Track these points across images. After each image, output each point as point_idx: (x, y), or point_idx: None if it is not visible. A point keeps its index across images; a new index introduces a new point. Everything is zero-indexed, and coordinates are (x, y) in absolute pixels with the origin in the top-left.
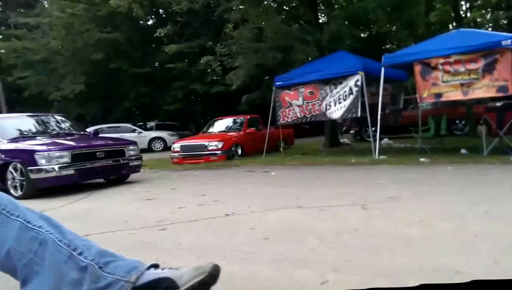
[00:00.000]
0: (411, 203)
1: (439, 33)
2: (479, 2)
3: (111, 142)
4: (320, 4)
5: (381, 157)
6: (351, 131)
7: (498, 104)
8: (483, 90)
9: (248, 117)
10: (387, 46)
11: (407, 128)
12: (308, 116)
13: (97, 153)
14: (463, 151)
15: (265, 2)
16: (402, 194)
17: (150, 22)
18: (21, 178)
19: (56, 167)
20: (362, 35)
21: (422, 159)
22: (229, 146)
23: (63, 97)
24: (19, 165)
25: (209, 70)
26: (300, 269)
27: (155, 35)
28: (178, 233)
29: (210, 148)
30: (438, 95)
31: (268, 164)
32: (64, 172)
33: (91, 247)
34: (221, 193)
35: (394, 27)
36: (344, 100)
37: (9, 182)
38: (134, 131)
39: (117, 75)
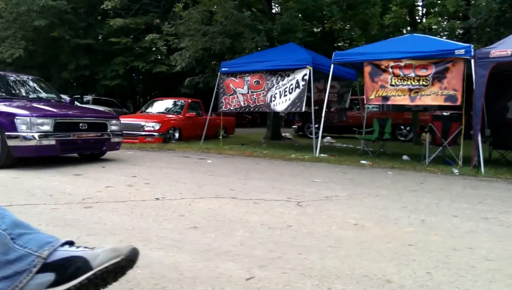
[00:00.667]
0: (348, 204)
1: (392, 36)
2: (436, 9)
3: (94, 113)
4: None
5: (322, 155)
6: (293, 126)
7: (445, 113)
8: (431, 97)
9: (190, 100)
10: (339, 44)
11: (351, 128)
12: (251, 105)
13: (80, 124)
14: (405, 157)
15: None
16: (339, 195)
17: None
18: None
19: (36, 135)
20: (315, 30)
21: (363, 161)
22: (166, 128)
23: (0, 61)
24: None
25: (154, 48)
26: (226, 262)
27: (102, 6)
28: (104, 212)
29: (147, 128)
30: (385, 98)
31: (205, 151)
32: (45, 142)
33: (5, 217)
34: (153, 177)
35: (348, 25)
36: (290, 93)
37: None
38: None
39: (58, 44)
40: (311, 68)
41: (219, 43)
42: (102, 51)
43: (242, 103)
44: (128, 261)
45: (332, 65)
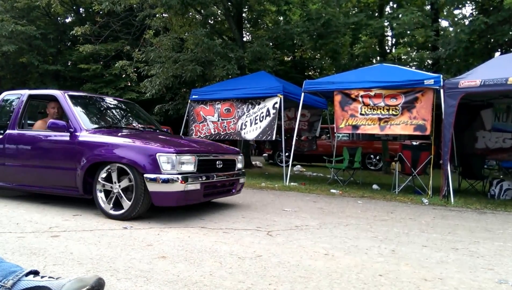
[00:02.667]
0: (318, 234)
1: (362, 66)
2: (405, 39)
3: (224, 147)
4: (246, 22)
5: (292, 184)
6: (264, 155)
7: (414, 143)
8: (401, 127)
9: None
10: (310, 73)
11: (321, 157)
12: (222, 133)
13: (217, 161)
14: (375, 186)
15: (190, 14)
16: (309, 224)
17: (68, 20)
18: (125, 186)
19: (180, 177)
20: (285, 58)
21: (333, 190)
22: None
23: None
24: (123, 169)
25: (124, 75)
26: None
27: (71, 32)
28: (71, 241)
29: None
30: (355, 127)
31: None
32: (191, 186)
33: None
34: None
35: (318, 54)
36: (261, 121)
37: (99, 193)
38: None
39: (27, 70)
40: (281, 96)
41: (190, 71)
42: (71, 78)
43: (212, 131)
44: None
45: (302, 94)
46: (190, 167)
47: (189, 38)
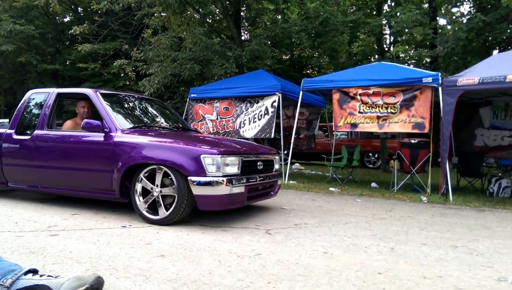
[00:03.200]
0: (317, 232)
1: (360, 64)
2: (403, 37)
3: (262, 147)
4: (244, 21)
5: (291, 182)
6: None
7: (412, 141)
8: (399, 125)
9: None
10: (308, 71)
11: (319, 155)
12: (221, 132)
13: (258, 162)
14: (373, 184)
15: (188, 13)
16: (308, 222)
17: (66, 19)
18: (167, 190)
19: (225, 179)
20: (283, 57)
21: (331, 189)
22: None
23: None
24: (165, 171)
25: (122, 74)
26: None
27: (70, 32)
28: (70, 240)
29: None
30: (354, 125)
31: None
32: (236, 189)
33: None
34: (119, 204)
35: (316, 53)
36: (259, 119)
37: (138, 197)
38: None
39: (25, 70)
40: (280, 94)
41: (188, 69)
42: (70, 77)
43: (211, 129)
44: (93, 289)
45: (301, 92)
46: (234, 169)
47: (187, 37)
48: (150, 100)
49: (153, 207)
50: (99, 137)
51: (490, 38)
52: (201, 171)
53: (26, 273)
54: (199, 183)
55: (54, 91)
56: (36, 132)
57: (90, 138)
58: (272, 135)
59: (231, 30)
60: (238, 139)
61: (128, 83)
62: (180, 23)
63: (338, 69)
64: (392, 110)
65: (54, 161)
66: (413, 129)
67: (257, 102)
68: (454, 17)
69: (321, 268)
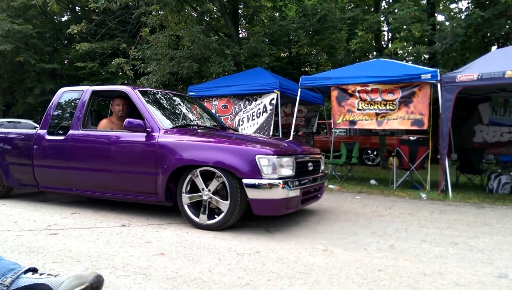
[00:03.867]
0: (317, 230)
1: (358, 61)
2: (401, 34)
3: (308, 147)
4: (241, 19)
5: None
6: None
7: (411, 137)
8: (398, 121)
9: None
10: (306, 69)
11: None
12: None
13: (309, 163)
14: (372, 181)
15: (186, 11)
16: (307, 220)
17: (64, 18)
18: (216, 195)
19: (281, 182)
20: (281, 54)
21: (331, 186)
22: None
23: None
24: (212, 173)
25: (121, 73)
26: None
27: (67, 31)
28: (69, 239)
29: None
30: (352, 122)
31: None
32: (292, 193)
33: None
34: (119, 202)
35: (314, 50)
36: (258, 117)
37: (185, 201)
38: (35, 128)
39: (24, 69)
40: (278, 92)
41: (186, 68)
42: (68, 76)
43: None
44: (93, 288)
45: (299, 90)
46: (288, 171)
47: (185, 35)
48: (182, 97)
49: (200, 211)
50: (140, 137)
51: (488, 34)
52: (256, 173)
53: (25, 272)
54: (255, 186)
55: (88, 89)
56: (71, 132)
57: (131, 138)
58: (271, 133)
59: (229, 28)
60: (280, 137)
61: (126, 82)
62: (177, 21)
63: (336, 66)
64: (391, 107)
65: (92, 163)
66: (412, 125)
67: (256, 100)
68: (452, 13)
69: (321, 266)
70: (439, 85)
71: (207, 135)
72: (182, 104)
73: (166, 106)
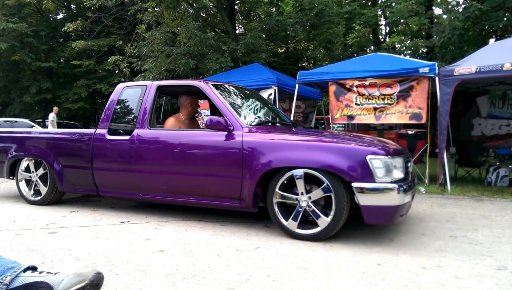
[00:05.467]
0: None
1: (356, 55)
2: (399, 27)
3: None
4: (238, 14)
5: None
6: None
7: (410, 132)
8: (396, 116)
9: None
10: (303, 64)
11: None
12: None
13: (409, 163)
14: None
15: (182, 7)
16: None
17: (59, 16)
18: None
19: (396, 185)
20: (279, 50)
21: None
22: None
23: None
24: (312, 176)
25: (117, 70)
26: (194, 286)
27: (63, 29)
28: (68, 238)
29: None
30: (351, 117)
31: None
32: (406, 198)
33: None
34: (117, 200)
35: (312, 45)
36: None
37: (277, 207)
38: (31, 127)
39: (19, 68)
40: (276, 88)
41: (183, 64)
42: (64, 74)
43: None
44: (93, 285)
45: (297, 85)
46: (400, 173)
47: (182, 32)
48: (242, 89)
49: (290, 216)
50: (219, 136)
51: (486, 26)
52: (367, 176)
53: (25, 270)
54: (367, 191)
55: (152, 84)
56: (137, 131)
57: (209, 138)
58: None
59: (226, 24)
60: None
61: (123, 79)
62: (173, 17)
63: (334, 61)
64: (389, 101)
65: (162, 165)
66: (410, 119)
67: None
68: (450, 6)
69: (321, 260)
70: (437, 78)
71: (301, 133)
72: (247, 98)
73: (237, 101)
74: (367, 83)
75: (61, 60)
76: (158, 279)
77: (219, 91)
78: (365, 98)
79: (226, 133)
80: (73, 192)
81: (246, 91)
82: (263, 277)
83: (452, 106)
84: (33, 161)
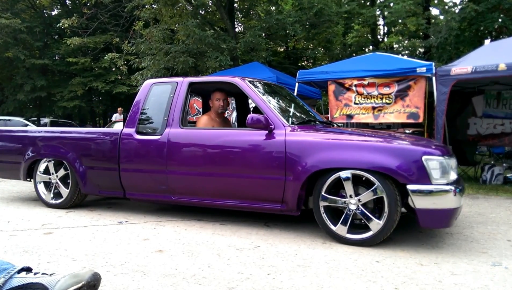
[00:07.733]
0: (315, 223)
1: (355, 55)
2: (397, 28)
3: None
4: (237, 12)
5: None
6: None
7: (407, 131)
8: (394, 115)
9: None
10: (303, 63)
11: None
12: None
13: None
14: None
15: (180, 4)
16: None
17: (54, 12)
18: (366, 201)
19: (452, 187)
20: (278, 49)
21: None
22: None
23: None
24: (358, 178)
25: (114, 68)
26: (193, 286)
27: (58, 25)
28: (64, 238)
29: None
30: (350, 116)
31: None
32: (462, 200)
33: None
34: (115, 199)
35: (311, 45)
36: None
37: (323, 210)
38: (26, 126)
39: (13, 65)
40: None
41: (182, 62)
42: (59, 72)
43: None
44: (90, 286)
45: (296, 84)
46: (454, 175)
47: (180, 29)
48: (273, 86)
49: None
50: (259, 135)
51: (482, 27)
52: (424, 177)
53: (19, 271)
54: (424, 193)
55: (183, 80)
56: (169, 130)
57: (248, 137)
58: None
59: (225, 22)
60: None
61: (120, 77)
62: (172, 15)
63: (333, 61)
64: (387, 101)
65: (197, 166)
66: (408, 119)
67: None
68: (446, 7)
69: (320, 258)
70: (434, 78)
71: (347, 132)
72: (281, 95)
73: (275, 98)
74: (365, 82)
75: (56, 57)
76: (157, 279)
77: (256, 88)
78: (364, 98)
79: (266, 132)
80: (96, 195)
81: (277, 88)
82: (263, 275)
83: (449, 106)
84: (53, 162)
